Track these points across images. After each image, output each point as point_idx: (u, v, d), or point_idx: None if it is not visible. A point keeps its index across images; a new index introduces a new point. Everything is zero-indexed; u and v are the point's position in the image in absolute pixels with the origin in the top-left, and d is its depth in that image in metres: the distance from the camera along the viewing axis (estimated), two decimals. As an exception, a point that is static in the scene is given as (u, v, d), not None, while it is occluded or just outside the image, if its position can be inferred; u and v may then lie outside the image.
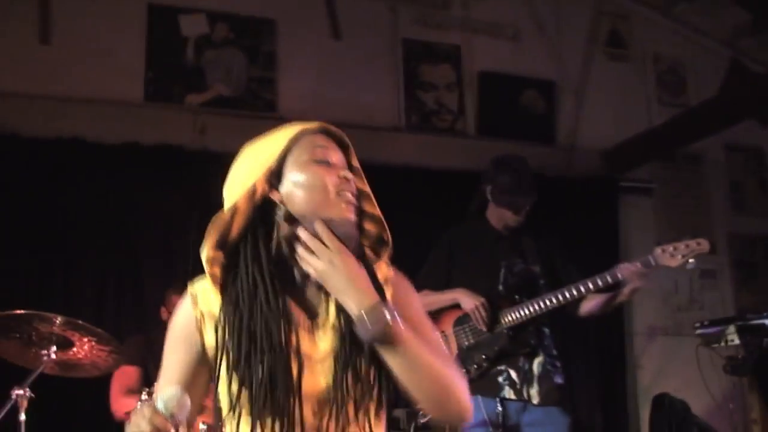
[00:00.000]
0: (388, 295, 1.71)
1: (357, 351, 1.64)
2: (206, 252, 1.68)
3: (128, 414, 3.85)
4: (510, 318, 3.60)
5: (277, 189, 1.68)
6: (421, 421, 4.34)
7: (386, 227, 1.78)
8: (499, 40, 6.41)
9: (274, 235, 1.68)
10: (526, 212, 3.78)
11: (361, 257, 1.70)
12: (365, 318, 1.57)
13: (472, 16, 6.35)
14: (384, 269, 1.79)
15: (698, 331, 4.41)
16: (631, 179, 6.46)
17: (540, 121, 6.36)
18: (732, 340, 4.14)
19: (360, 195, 1.73)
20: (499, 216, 3.79)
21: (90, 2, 5.35)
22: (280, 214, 1.68)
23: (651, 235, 6.39)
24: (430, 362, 1.62)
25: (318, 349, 1.67)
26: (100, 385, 4.16)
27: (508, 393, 3.54)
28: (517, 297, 3.65)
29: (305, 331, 1.68)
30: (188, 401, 1.49)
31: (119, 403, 4.14)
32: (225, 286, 1.68)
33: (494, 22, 6.41)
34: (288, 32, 5.80)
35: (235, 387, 1.61)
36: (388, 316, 1.58)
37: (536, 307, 3.56)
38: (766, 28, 6.73)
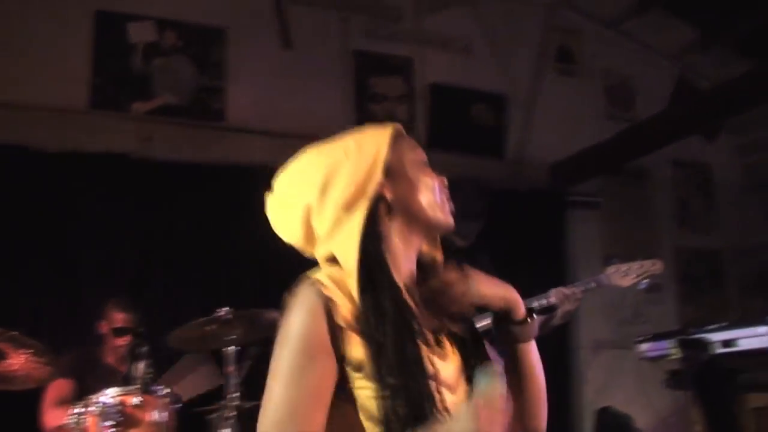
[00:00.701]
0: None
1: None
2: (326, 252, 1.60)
3: (59, 427, 3.78)
4: None
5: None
6: None
7: None
8: (450, 53, 6.44)
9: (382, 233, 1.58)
10: (474, 237, 3.77)
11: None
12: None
13: (423, 28, 6.36)
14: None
15: (641, 346, 4.43)
16: (578, 193, 6.52)
17: (489, 134, 6.39)
18: (674, 354, 4.16)
19: None
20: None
21: (36, 7, 5.25)
22: (383, 210, 1.59)
23: (597, 248, 6.46)
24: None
25: (449, 371, 1.56)
26: (33, 397, 4.07)
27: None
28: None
29: (434, 355, 1.55)
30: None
31: (50, 415, 4.05)
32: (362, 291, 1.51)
33: (446, 35, 6.43)
34: (238, 41, 5.75)
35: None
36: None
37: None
38: (714, 45, 6.85)
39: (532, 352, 1.67)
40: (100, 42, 5.39)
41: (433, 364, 1.51)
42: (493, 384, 1.36)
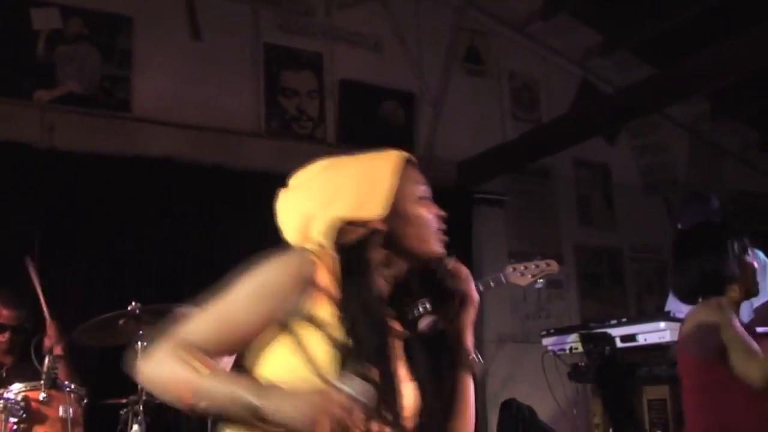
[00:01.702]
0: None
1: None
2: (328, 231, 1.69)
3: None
4: None
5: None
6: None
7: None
8: (360, 49, 6.46)
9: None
10: None
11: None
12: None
13: (334, 24, 6.36)
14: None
15: (544, 340, 4.55)
16: (484, 191, 6.64)
17: (399, 131, 6.43)
18: (576, 348, 4.29)
19: None
20: None
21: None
22: (376, 239, 1.70)
23: (503, 245, 6.60)
24: None
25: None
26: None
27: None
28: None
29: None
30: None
31: None
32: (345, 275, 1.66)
33: (356, 31, 6.45)
34: (145, 30, 5.63)
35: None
36: None
37: None
38: (615, 49, 7.07)
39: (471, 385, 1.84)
40: (2, 27, 5.20)
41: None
42: (357, 388, 1.47)
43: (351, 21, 6.42)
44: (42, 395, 3.18)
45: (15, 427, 3.09)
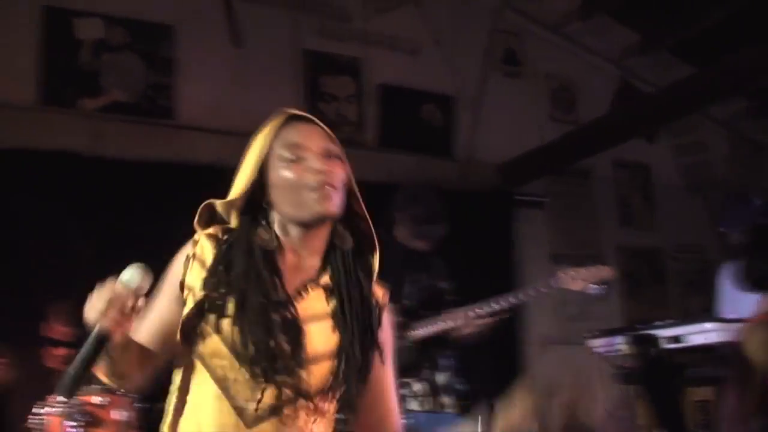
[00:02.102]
0: (385, 321, 1.83)
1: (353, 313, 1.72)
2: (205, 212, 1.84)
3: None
4: (416, 332, 3.63)
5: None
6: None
7: (370, 224, 1.82)
8: (398, 53, 6.49)
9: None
10: (438, 241, 3.85)
11: (361, 263, 1.80)
12: None
13: (371, 29, 6.40)
14: (380, 293, 1.86)
15: (589, 341, 4.54)
16: (524, 193, 6.64)
17: (438, 134, 6.47)
18: (622, 350, 4.27)
19: (342, 181, 1.75)
20: (407, 238, 3.85)
21: (-19, 2, 5.16)
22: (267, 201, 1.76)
23: (544, 246, 6.60)
24: None
25: (312, 309, 1.71)
26: None
27: (414, 405, 3.58)
28: (421, 311, 3.69)
29: (297, 293, 1.72)
30: (149, 276, 1.62)
31: None
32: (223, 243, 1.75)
33: (393, 35, 6.48)
34: (187, 38, 5.72)
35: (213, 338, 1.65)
36: None
37: (446, 324, 3.63)
38: (654, 48, 7.03)
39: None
40: (48, 38, 5.31)
41: (292, 303, 1.68)
42: (132, 277, 1.62)
43: (388, 25, 6.46)
44: (99, 399, 3.24)
45: (72, 430, 3.15)
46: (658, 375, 4.11)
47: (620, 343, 4.27)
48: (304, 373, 1.62)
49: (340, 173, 1.72)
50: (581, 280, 3.57)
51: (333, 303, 1.71)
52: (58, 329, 4.16)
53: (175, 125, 5.56)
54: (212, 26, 5.82)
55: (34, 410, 3.21)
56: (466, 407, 3.67)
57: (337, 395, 1.67)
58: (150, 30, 5.65)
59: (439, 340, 3.72)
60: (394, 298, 3.66)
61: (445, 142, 6.44)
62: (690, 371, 4.13)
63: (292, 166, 1.70)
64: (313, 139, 1.74)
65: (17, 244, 4.78)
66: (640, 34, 7.01)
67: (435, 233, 3.81)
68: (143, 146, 5.35)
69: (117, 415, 3.25)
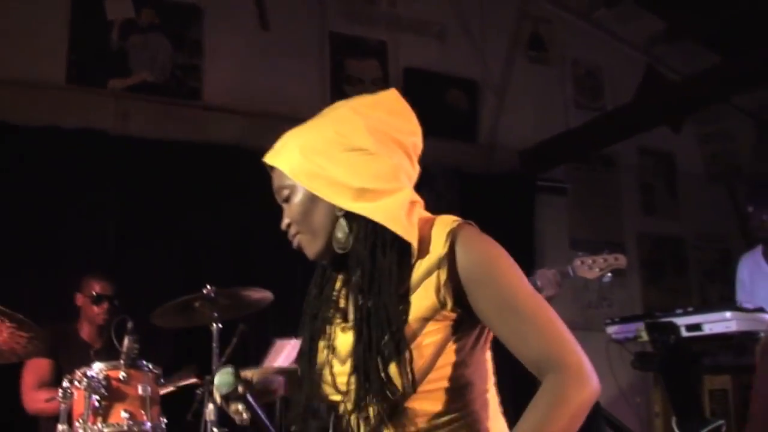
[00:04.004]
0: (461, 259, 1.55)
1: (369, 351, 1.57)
2: None
3: (41, 409, 3.80)
4: None
5: None
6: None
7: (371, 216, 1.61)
8: (424, 37, 6.50)
9: None
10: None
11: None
12: None
13: (398, 12, 6.42)
14: (440, 238, 1.57)
15: (608, 328, 4.57)
16: (547, 179, 6.64)
17: (462, 119, 6.48)
18: (640, 337, 4.30)
19: (296, 221, 1.70)
20: None
21: (12, -18, 5.23)
22: None
23: (565, 233, 6.61)
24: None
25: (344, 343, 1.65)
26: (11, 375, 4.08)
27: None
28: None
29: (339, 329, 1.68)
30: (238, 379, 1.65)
31: (31, 396, 4.07)
32: None
33: (420, 19, 6.49)
34: (215, 20, 5.76)
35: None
36: None
37: None
38: (680, 36, 7.00)
39: None
40: (77, 18, 5.37)
41: (332, 336, 1.67)
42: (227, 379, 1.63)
43: (415, 9, 6.47)
44: (122, 374, 3.29)
45: (97, 404, 3.22)
46: (676, 362, 4.13)
47: (639, 330, 4.30)
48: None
49: (291, 215, 1.69)
50: (598, 269, 3.61)
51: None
52: (97, 285, 4.26)
53: (202, 106, 5.62)
54: (240, 8, 5.86)
55: (62, 384, 3.28)
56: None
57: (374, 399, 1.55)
58: (179, 11, 5.71)
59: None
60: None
61: (469, 127, 6.45)
62: (708, 359, 4.16)
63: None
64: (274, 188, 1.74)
65: (47, 221, 4.88)
66: (667, 21, 6.98)
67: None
68: (169, 126, 5.42)
69: (141, 390, 3.31)
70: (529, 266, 4.11)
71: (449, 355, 1.56)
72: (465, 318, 1.56)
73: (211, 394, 3.36)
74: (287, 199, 1.69)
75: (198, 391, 3.56)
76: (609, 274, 3.69)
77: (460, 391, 1.58)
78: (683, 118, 6.96)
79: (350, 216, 1.61)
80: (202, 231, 5.31)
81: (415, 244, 1.56)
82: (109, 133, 5.20)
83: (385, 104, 1.71)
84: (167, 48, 5.63)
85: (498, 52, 6.70)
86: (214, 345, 3.60)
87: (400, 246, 1.57)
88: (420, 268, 1.56)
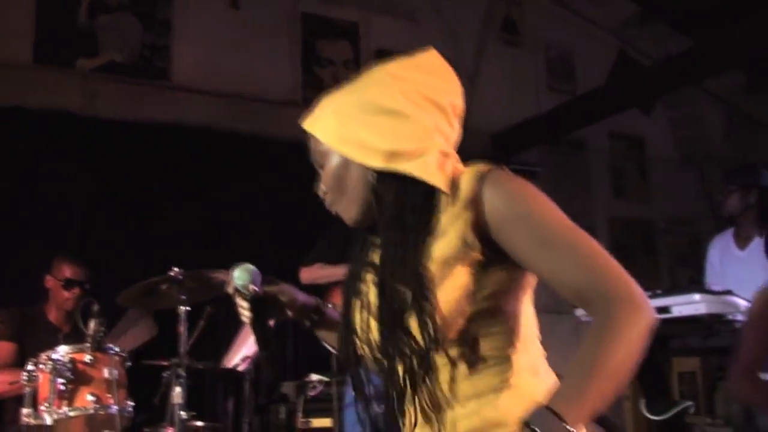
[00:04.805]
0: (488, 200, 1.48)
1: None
2: None
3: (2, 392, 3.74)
4: None
5: None
6: (311, 394, 4.39)
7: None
8: (396, 19, 6.47)
9: None
10: None
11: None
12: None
13: (370, -7, 6.38)
14: (467, 180, 1.50)
15: (577, 310, 4.57)
16: (518, 162, 6.63)
17: (434, 101, 6.45)
18: (609, 319, 4.30)
19: (329, 186, 1.66)
20: None
21: (-23, -42, 5.13)
22: None
23: (536, 216, 6.61)
24: (598, 373, 1.33)
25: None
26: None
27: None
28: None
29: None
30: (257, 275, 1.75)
31: None
32: None
33: (392, 0, 6.45)
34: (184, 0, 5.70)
35: None
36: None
37: None
38: (652, 20, 7.02)
39: None
40: (45, -3, 5.29)
41: (366, 295, 1.62)
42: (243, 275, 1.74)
43: (386, -10, 6.44)
44: (88, 357, 3.26)
45: (62, 387, 3.18)
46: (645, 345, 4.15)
47: (608, 313, 4.30)
48: None
49: (326, 180, 1.66)
50: None
51: None
52: (69, 269, 4.20)
53: (170, 86, 5.56)
54: (210, -13, 5.79)
55: (26, 367, 3.24)
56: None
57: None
58: (147, -10, 5.64)
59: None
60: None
61: (441, 110, 6.44)
62: (677, 342, 4.18)
63: None
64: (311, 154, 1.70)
65: (12, 202, 4.81)
66: (639, 5, 6.99)
67: None
68: (138, 107, 5.36)
69: (107, 373, 3.27)
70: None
71: (479, 302, 1.48)
72: (495, 262, 1.48)
73: (177, 377, 3.33)
74: (322, 165, 1.66)
75: (164, 374, 3.52)
76: None
77: (493, 342, 1.50)
78: (654, 102, 7.00)
79: (382, 179, 1.57)
80: (172, 212, 5.27)
81: (445, 189, 1.50)
82: (77, 113, 5.12)
83: (422, 65, 1.67)
84: (136, 27, 5.56)
85: (470, 35, 6.69)
86: (182, 328, 3.55)
87: (429, 197, 1.53)
88: (448, 213, 1.50)
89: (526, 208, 1.48)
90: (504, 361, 1.50)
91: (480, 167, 1.53)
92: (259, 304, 1.75)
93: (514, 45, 6.95)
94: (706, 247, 4.75)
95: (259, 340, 1.75)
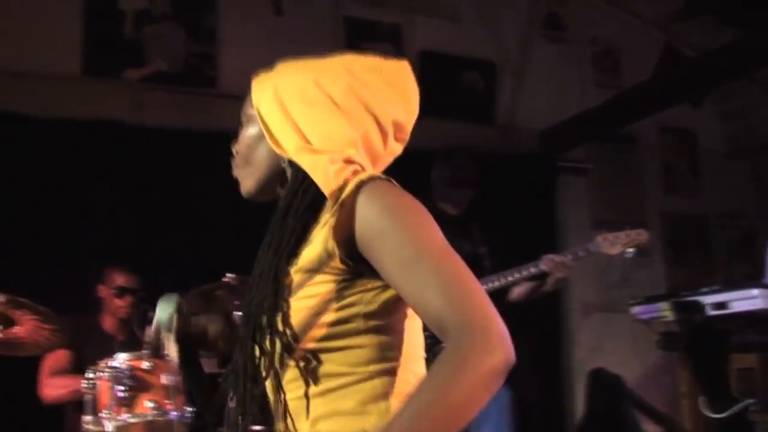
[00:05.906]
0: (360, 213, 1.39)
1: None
2: None
3: (58, 397, 3.79)
4: None
5: None
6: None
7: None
8: (439, 19, 6.44)
9: None
10: (467, 205, 3.85)
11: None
12: None
13: (411, -6, 6.36)
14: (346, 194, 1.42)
15: (633, 308, 4.52)
16: (567, 159, 6.58)
17: (480, 100, 6.43)
18: (665, 317, 4.26)
19: (240, 150, 1.65)
20: (434, 200, 3.86)
21: (25, -27, 5.22)
22: None
23: (586, 214, 6.55)
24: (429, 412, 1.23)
25: None
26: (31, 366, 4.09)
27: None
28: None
29: None
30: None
31: (46, 383, 4.08)
32: None
33: (434, 1, 6.43)
34: (228, 8, 5.73)
35: None
36: None
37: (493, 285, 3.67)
38: (699, 13, 6.90)
39: None
40: (91, 9, 5.35)
41: None
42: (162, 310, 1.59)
43: (428, -10, 6.41)
44: (146, 364, 3.31)
45: (122, 394, 3.22)
46: (702, 342, 4.09)
47: (664, 310, 4.26)
48: None
49: (239, 143, 1.64)
50: (620, 245, 3.58)
51: None
52: (121, 278, 4.27)
53: (217, 94, 5.59)
54: (253, -5, 5.83)
55: (85, 375, 3.28)
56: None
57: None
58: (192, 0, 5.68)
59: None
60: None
61: (487, 109, 6.40)
62: (735, 338, 4.11)
63: None
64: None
65: (65, 213, 4.88)
66: (685, -3, 6.89)
67: (461, 197, 3.82)
68: (185, 115, 5.41)
69: (165, 379, 3.31)
70: (551, 249, 4.08)
71: (337, 313, 1.40)
72: (361, 275, 1.40)
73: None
74: (242, 126, 1.65)
75: (221, 380, 3.54)
76: (631, 250, 3.67)
77: (353, 356, 1.41)
78: (703, 95, 6.88)
79: (291, 165, 1.55)
80: (222, 219, 5.30)
81: (328, 195, 1.43)
82: (126, 123, 5.18)
83: (386, 72, 1.62)
84: (181, 37, 5.62)
85: (514, 32, 6.63)
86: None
87: (317, 200, 1.47)
88: (321, 221, 1.44)
89: (396, 223, 1.36)
90: (362, 381, 1.41)
91: (363, 176, 1.43)
92: (186, 342, 1.56)
93: (559, 41, 6.88)
94: (761, 242, 4.67)
95: (190, 389, 1.54)
